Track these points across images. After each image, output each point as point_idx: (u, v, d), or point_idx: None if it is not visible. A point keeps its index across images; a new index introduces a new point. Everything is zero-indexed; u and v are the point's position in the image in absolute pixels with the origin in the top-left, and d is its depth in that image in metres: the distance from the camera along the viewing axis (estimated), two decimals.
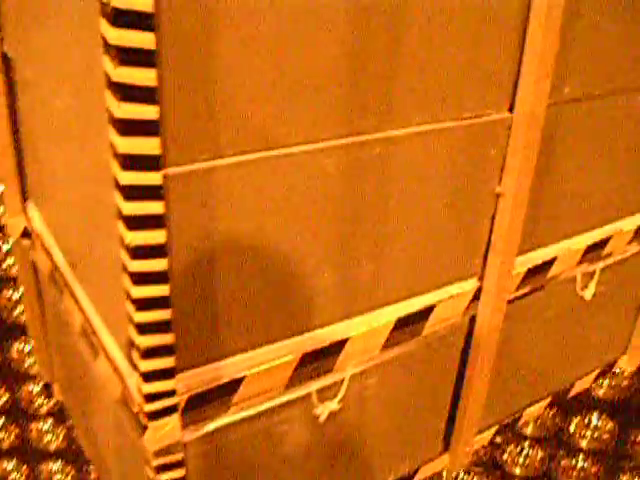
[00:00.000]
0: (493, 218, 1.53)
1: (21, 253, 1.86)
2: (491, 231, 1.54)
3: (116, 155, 0.94)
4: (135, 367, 1.13)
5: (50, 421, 2.58)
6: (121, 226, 0.99)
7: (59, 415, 2.56)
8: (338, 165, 1.22)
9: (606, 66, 1.55)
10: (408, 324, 1.51)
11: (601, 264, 1.90)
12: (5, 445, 2.63)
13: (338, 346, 1.40)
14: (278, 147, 1.13)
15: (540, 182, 1.56)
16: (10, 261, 2.22)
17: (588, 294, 1.92)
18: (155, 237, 1.01)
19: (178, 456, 1.24)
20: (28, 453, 2.66)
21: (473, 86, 1.34)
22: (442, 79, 1.28)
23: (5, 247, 2.21)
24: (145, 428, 1.17)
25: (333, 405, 1.46)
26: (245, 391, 1.29)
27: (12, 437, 2.61)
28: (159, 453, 1.21)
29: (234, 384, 1.27)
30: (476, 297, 1.61)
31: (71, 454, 2.67)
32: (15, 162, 1.71)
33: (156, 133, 0.94)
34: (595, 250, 1.83)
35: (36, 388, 2.52)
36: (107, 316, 1.33)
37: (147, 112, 0.92)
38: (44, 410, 2.57)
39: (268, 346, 1.31)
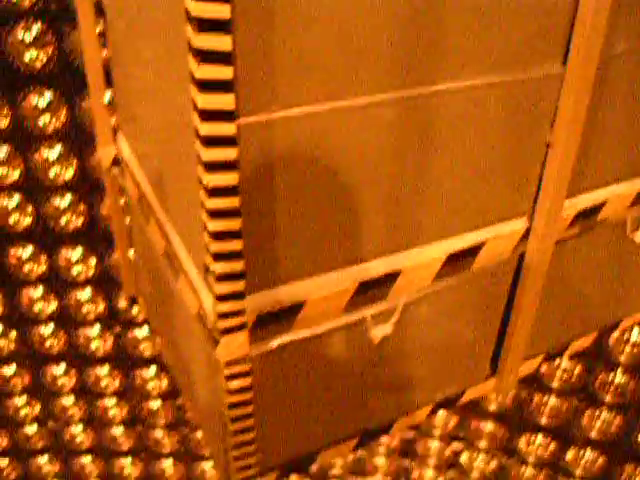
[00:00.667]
0: (543, 164, 1.58)
1: (111, 180, 2.04)
2: (541, 175, 1.60)
3: (196, 109, 1.08)
4: (210, 289, 1.30)
5: (97, 327, 2.76)
6: (200, 169, 1.14)
7: (106, 321, 2.74)
8: (396, 113, 1.32)
9: None
10: (458, 259, 1.59)
11: None
12: (54, 351, 2.85)
13: (391, 277, 1.51)
14: (340, 99, 1.24)
15: (591, 130, 1.60)
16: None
17: (638, 237, 1.96)
18: (229, 179, 1.16)
19: (246, 367, 1.40)
20: (76, 359, 2.88)
21: (526, 40, 1.39)
22: (495, 33, 1.34)
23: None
24: (217, 342, 1.35)
25: (387, 329, 1.57)
26: (306, 314, 1.43)
27: (61, 343, 2.82)
28: (229, 364, 1.38)
29: (296, 307, 1.41)
30: (525, 236, 1.68)
31: (118, 360, 2.88)
32: (106, 96, 1.90)
33: (231, 90, 1.08)
34: None
35: (84, 295, 2.67)
36: (187, 244, 1.49)
37: (223, 72, 1.05)
38: (92, 316, 2.73)
39: (328, 274, 1.43)
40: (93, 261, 2.57)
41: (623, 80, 1.60)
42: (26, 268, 2.59)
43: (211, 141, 1.10)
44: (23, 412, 3.06)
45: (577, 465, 2.96)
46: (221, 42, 1.03)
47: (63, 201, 2.45)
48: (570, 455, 2.94)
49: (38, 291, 2.66)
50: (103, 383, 2.94)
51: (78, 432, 3.15)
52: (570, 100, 1.46)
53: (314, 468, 3.20)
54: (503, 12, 1.32)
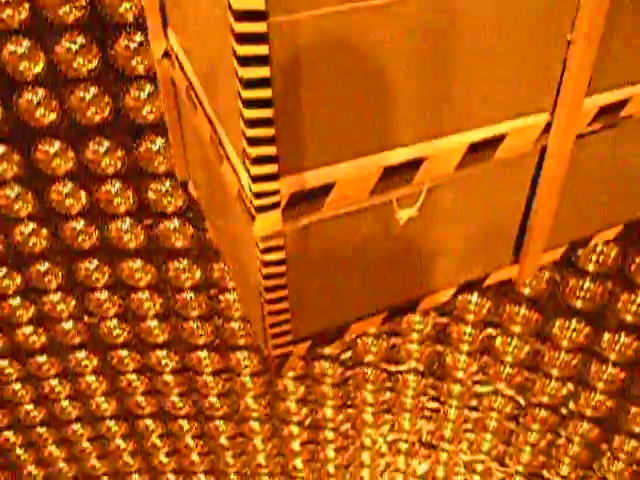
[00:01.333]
0: (565, 61, 1.60)
1: (162, 71, 2.06)
2: (563, 72, 1.62)
3: (231, 9, 1.18)
4: (248, 172, 1.41)
5: (128, 221, 2.77)
6: (235, 63, 1.25)
7: (137, 214, 2.75)
8: (420, 10, 1.37)
9: None
10: (481, 149, 1.65)
11: None
12: (86, 246, 2.86)
13: (416, 163, 1.58)
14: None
15: (612, 29, 1.60)
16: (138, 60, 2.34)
17: None
18: (261, 72, 1.26)
19: (279, 241, 1.53)
20: (109, 253, 2.90)
21: None
22: None
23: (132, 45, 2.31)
24: (254, 218, 1.46)
25: (412, 211, 1.66)
26: (335, 196, 1.53)
27: (93, 238, 2.83)
28: (265, 239, 1.50)
29: (326, 189, 1.52)
30: (547, 130, 1.71)
31: (151, 253, 2.89)
32: None
33: None
34: None
35: (113, 189, 2.66)
36: (228, 131, 1.56)
37: None
38: (122, 210, 2.73)
39: (355, 160, 1.52)
40: (120, 154, 2.55)
41: None
42: (54, 164, 2.58)
43: (244, 38, 1.22)
44: (59, 308, 3.10)
45: (612, 350, 2.96)
46: None
47: (87, 94, 2.41)
48: (605, 339, 2.94)
49: (67, 187, 2.65)
50: (137, 276, 2.95)
51: (114, 326, 3.19)
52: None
53: (348, 355, 3.24)
54: None
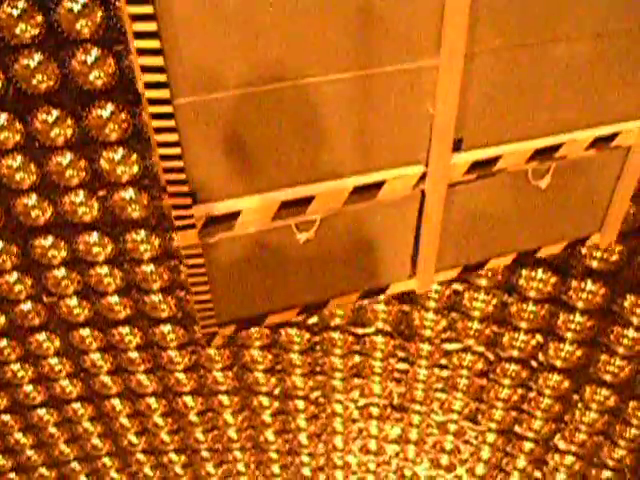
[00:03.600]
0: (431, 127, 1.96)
1: None
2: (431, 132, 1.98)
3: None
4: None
5: (81, 193, 2.68)
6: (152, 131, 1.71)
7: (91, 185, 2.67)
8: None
9: None
10: (365, 191, 2.02)
11: (554, 164, 2.21)
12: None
13: (308, 200, 1.99)
14: None
15: (468, 102, 1.96)
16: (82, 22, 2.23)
17: (544, 183, 2.23)
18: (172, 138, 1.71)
19: (197, 250, 1.98)
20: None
21: (406, 37, 1.77)
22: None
23: None
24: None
25: (309, 234, 2.08)
26: (242, 220, 1.97)
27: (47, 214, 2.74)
28: (185, 248, 1.97)
29: (234, 215, 1.95)
30: (423, 178, 2.07)
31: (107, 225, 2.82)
32: None
33: None
34: (547, 152, 2.16)
35: (64, 160, 2.57)
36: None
37: None
38: (75, 182, 2.64)
39: (256, 195, 1.95)
40: (69, 122, 2.47)
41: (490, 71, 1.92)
42: (2, 136, 2.49)
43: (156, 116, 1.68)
44: (17, 288, 3.02)
45: (578, 298, 2.96)
46: None
47: (32, 61, 2.32)
48: (572, 287, 2.94)
49: (17, 160, 2.57)
50: (94, 250, 2.88)
51: (74, 305, 3.12)
52: (443, 85, 1.85)
53: (314, 320, 3.20)
54: None
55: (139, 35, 1.53)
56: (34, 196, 2.68)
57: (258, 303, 2.24)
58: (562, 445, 3.73)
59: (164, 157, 1.75)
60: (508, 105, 2.01)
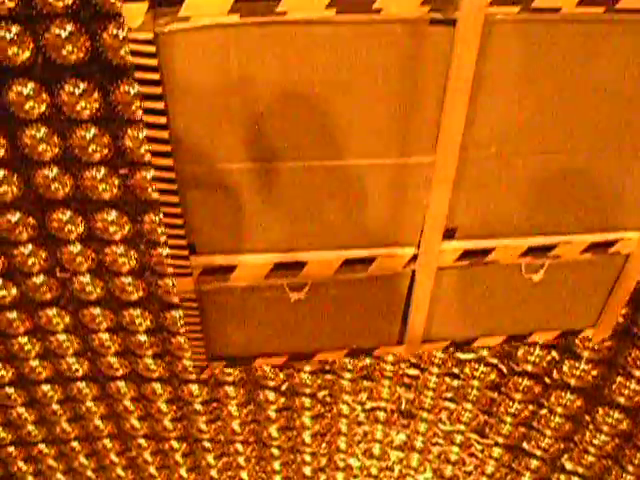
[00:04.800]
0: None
1: None
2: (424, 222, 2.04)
3: None
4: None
5: (103, 169, 2.64)
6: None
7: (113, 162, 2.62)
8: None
9: None
10: (356, 264, 2.13)
11: (548, 262, 2.25)
12: (59, 196, 2.73)
13: (300, 264, 2.10)
14: None
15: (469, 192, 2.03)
16: None
17: (537, 277, 2.28)
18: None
19: (192, 295, 2.16)
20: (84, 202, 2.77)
21: (399, 133, 1.90)
22: None
23: None
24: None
25: (301, 295, 2.18)
26: (237, 274, 2.11)
27: (67, 188, 2.70)
28: (181, 292, 2.20)
29: (230, 268, 2.09)
30: (415, 259, 2.14)
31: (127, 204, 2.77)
32: None
33: None
34: (541, 250, 2.21)
35: (88, 134, 2.52)
36: None
37: None
38: (97, 157, 2.60)
39: (251, 255, 2.07)
40: (96, 96, 2.43)
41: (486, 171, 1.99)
42: (27, 106, 2.45)
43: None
44: (30, 261, 2.99)
45: None
46: None
47: (63, 31, 2.29)
48: None
49: (41, 131, 2.53)
50: (111, 229, 2.84)
51: (87, 282, 3.08)
52: (437, 181, 1.93)
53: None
54: None
55: (148, 111, 1.72)
56: (55, 169, 2.64)
57: (248, 346, 2.40)
58: (569, 466, 3.66)
59: (167, 215, 1.91)
60: (502, 203, 2.05)
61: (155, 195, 2.69)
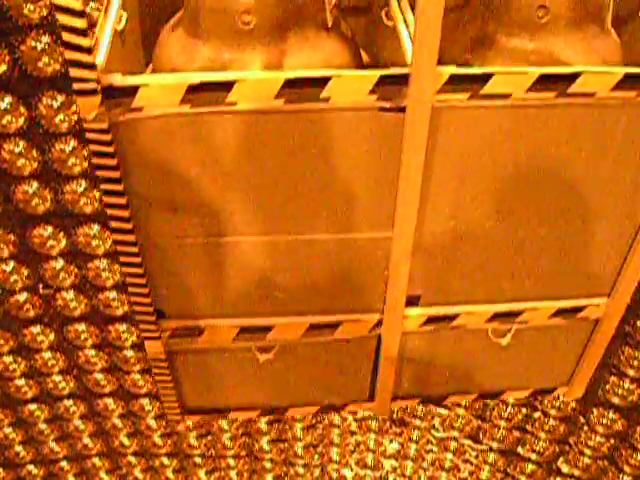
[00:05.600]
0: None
1: None
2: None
3: None
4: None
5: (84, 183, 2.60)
6: None
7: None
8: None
9: None
10: (322, 328, 2.15)
11: (515, 326, 2.23)
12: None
13: (266, 329, 2.13)
14: None
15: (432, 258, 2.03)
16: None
17: (505, 341, 2.25)
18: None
19: (162, 356, 2.19)
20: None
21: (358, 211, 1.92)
22: None
23: None
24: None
25: (269, 356, 2.22)
26: (205, 337, 2.14)
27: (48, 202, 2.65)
28: (150, 354, 2.20)
29: (199, 329, 2.13)
30: (380, 324, 2.15)
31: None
32: None
33: None
34: (508, 316, 2.19)
35: (67, 148, 2.49)
36: None
37: None
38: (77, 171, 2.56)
39: (217, 319, 2.10)
40: (75, 108, 2.39)
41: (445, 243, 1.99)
42: (5, 120, 2.41)
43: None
44: (13, 279, 2.94)
45: None
46: None
47: (39, 43, 2.25)
48: None
49: (19, 145, 2.49)
50: (94, 244, 2.80)
51: (70, 298, 3.04)
52: (396, 254, 1.94)
53: None
54: None
55: (107, 192, 1.73)
56: (35, 184, 2.60)
57: (221, 399, 2.43)
58: (565, 469, 3.63)
59: (131, 284, 1.93)
60: (464, 271, 2.06)
61: None
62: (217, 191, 1.76)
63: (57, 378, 3.41)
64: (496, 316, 2.17)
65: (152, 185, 1.74)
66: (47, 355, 3.30)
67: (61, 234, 2.79)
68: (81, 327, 3.16)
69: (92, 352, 3.28)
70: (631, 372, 3.02)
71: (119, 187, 1.70)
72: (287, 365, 2.29)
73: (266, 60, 1.69)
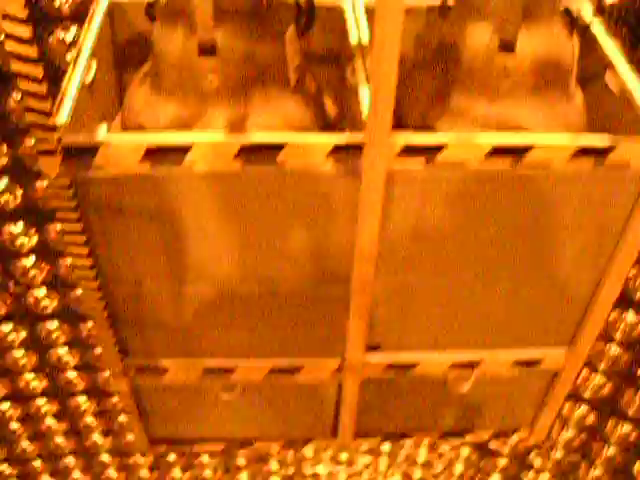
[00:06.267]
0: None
1: None
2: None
3: None
4: None
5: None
6: None
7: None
8: None
9: None
10: (284, 372, 2.18)
11: (474, 374, 2.24)
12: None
13: (229, 370, 2.16)
14: None
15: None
16: None
17: (464, 389, 2.27)
18: None
19: (128, 392, 2.26)
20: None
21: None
22: None
23: None
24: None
25: (232, 396, 2.25)
26: (171, 375, 2.17)
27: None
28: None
29: (164, 369, 2.16)
30: (340, 369, 2.18)
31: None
32: None
33: None
34: (466, 365, 2.21)
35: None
36: None
37: None
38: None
39: (181, 358, 2.14)
40: None
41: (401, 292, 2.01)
42: None
43: None
44: None
45: None
46: None
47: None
48: None
49: None
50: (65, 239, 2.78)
51: (42, 296, 3.02)
52: (354, 306, 1.99)
53: None
54: None
55: (70, 244, 1.76)
56: (5, 179, 2.59)
57: (188, 431, 2.49)
58: (537, 463, 3.66)
59: (96, 326, 1.96)
60: (422, 321, 2.08)
61: None
62: (177, 245, 1.80)
63: (29, 376, 3.39)
64: (455, 365, 2.19)
65: (113, 238, 1.77)
66: (18, 353, 3.28)
67: (33, 230, 2.78)
68: (53, 325, 3.15)
69: (64, 350, 3.27)
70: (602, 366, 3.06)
71: (81, 238, 1.73)
72: (251, 402, 2.34)
73: (229, 119, 1.73)
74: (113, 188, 1.66)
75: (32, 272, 2.91)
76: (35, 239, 2.79)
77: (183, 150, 1.60)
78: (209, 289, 1.92)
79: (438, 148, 1.64)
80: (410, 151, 1.64)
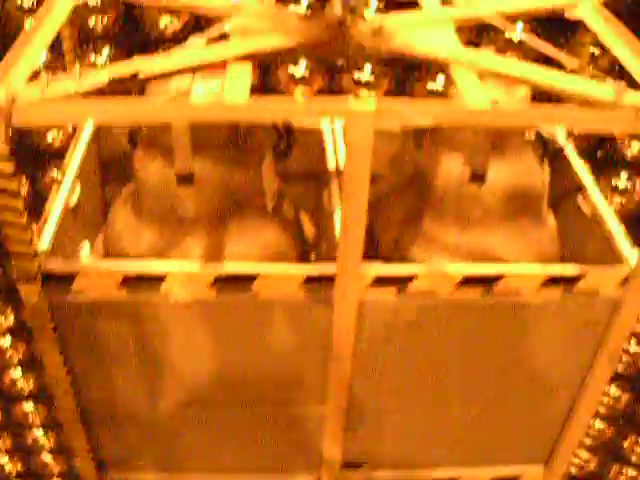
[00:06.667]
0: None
1: None
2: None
3: None
4: None
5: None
6: None
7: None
8: None
9: None
10: None
11: None
12: None
13: None
14: None
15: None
16: None
17: None
18: None
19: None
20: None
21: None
22: None
23: None
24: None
25: None
26: None
27: None
28: None
29: None
30: None
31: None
32: None
33: None
34: None
35: None
36: None
37: None
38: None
39: (156, 473, 2.12)
40: None
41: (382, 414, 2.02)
42: None
43: None
44: None
45: None
46: None
47: None
48: None
49: None
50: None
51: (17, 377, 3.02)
52: (330, 425, 1.98)
53: None
54: None
55: (47, 362, 1.76)
56: None
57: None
58: None
59: (73, 438, 1.95)
60: (397, 440, 2.09)
61: None
62: (152, 366, 1.81)
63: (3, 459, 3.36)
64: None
65: (90, 362, 1.79)
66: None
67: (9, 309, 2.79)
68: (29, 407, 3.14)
69: (40, 432, 3.24)
70: None
71: (58, 359, 1.75)
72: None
73: (206, 248, 1.75)
74: (91, 311, 1.68)
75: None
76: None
77: (159, 278, 1.62)
78: (185, 408, 1.91)
79: (409, 278, 1.66)
80: (381, 281, 1.66)
